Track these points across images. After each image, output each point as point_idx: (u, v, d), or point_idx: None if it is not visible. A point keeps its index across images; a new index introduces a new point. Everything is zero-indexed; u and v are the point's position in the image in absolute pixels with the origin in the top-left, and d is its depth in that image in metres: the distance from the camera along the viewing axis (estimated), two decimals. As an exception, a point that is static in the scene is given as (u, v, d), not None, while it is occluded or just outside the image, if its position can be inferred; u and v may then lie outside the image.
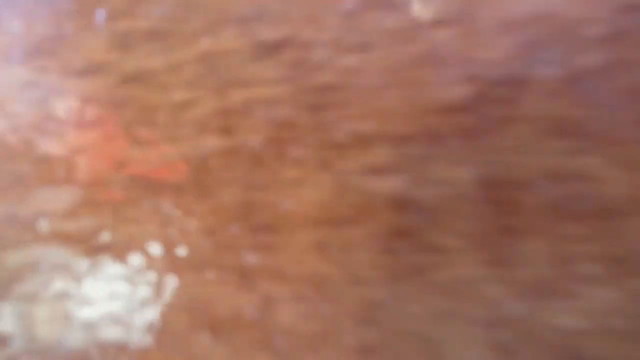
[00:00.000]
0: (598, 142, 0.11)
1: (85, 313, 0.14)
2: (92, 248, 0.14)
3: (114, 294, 0.14)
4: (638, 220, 0.11)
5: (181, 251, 0.13)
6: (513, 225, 0.12)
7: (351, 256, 0.12)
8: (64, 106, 0.14)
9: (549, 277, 0.12)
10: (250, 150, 0.13)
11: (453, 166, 0.12)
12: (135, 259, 0.13)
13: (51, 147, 0.13)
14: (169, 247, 0.13)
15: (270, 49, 0.12)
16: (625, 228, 0.11)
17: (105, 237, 0.14)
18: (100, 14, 0.13)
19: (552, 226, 0.12)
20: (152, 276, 0.13)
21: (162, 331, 0.13)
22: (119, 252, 0.14)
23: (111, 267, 0.14)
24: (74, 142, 0.14)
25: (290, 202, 0.13)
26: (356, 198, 0.12)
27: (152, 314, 0.13)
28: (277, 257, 0.13)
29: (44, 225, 0.14)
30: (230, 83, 0.13)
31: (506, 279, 0.12)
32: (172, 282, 0.13)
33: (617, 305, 0.12)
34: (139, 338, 0.14)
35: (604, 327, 0.12)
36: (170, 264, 0.13)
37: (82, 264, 0.14)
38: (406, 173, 0.12)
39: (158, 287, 0.13)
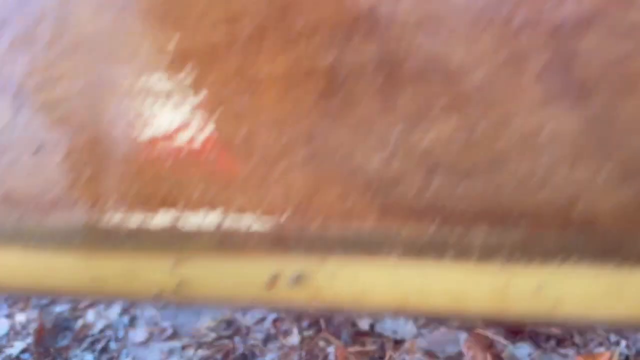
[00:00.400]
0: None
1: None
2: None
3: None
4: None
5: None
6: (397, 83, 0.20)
7: (303, 99, 0.21)
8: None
9: (415, 116, 0.20)
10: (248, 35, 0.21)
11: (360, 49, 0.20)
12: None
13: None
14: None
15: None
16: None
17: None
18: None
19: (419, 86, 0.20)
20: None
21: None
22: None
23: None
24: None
25: (269, 66, 0.21)
26: (307, 67, 0.21)
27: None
28: (261, 96, 0.21)
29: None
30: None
31: (391, 118, 0.20)
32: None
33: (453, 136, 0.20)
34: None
35: (451, 144, 0.20)
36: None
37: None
38: (332, 54, 0.20)
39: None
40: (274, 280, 0.22)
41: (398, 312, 0.23)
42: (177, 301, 0.25)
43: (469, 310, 0.22)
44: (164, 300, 0.26)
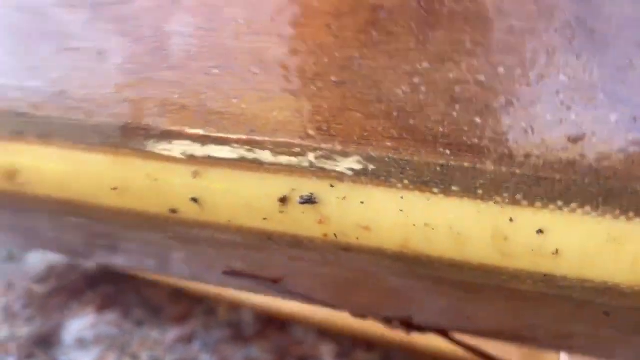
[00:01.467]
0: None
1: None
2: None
3: None
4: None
5: None
6: (435, 23, 0.22)
7: (350, 28, 0.23)
8: None
9: (443, 54, 0.22)
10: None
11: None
12: None
13: None
14: None
15: None
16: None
17: None
18: None
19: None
20: None
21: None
22: None
23: None
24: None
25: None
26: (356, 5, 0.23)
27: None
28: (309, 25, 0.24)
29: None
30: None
31: (421, 54, 0.22)
32: None
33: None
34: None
35: (470, 83, 0.21)
36: None
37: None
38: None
39: None
40: (287, 199, 0.23)
41: (399, 254, 0.23)
42: (188, 221, 0.26)
43: (469, 256, 0.22)
44: (177, 221, 0.26)
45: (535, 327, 0.29)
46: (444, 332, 0.40)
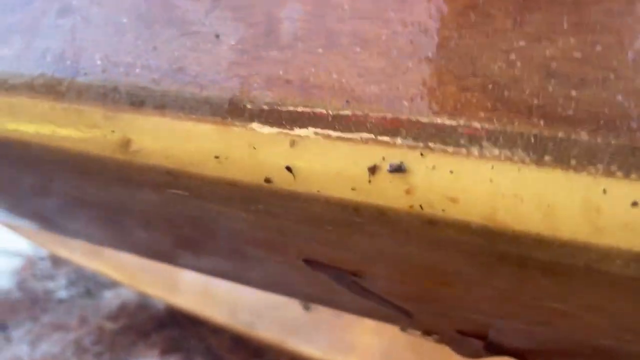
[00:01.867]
0: None
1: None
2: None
3: None
4: None
5: None
6: (532, 6, 0.23)
7: (449, 11, 0.25)
8: None
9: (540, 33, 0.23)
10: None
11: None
12: None
13: None
14: None
15: None
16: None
17: None
18: None
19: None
20: None
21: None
22: None
23: None
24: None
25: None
26: None
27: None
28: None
29: None
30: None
31: (517, 33, 0.23)
32: None
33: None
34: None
35: (566, 59, 0.22)
36: None
37: None
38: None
39: None
40: (376, 168, 0.25)
41: (485, 228, 0.23)
42: (280, 192, 0.28)
43: (558, 230, 0.22)
44: (270, 191, 0.28)
45: (625, 335, 0.28)
46: (521, 355, 0.39)
